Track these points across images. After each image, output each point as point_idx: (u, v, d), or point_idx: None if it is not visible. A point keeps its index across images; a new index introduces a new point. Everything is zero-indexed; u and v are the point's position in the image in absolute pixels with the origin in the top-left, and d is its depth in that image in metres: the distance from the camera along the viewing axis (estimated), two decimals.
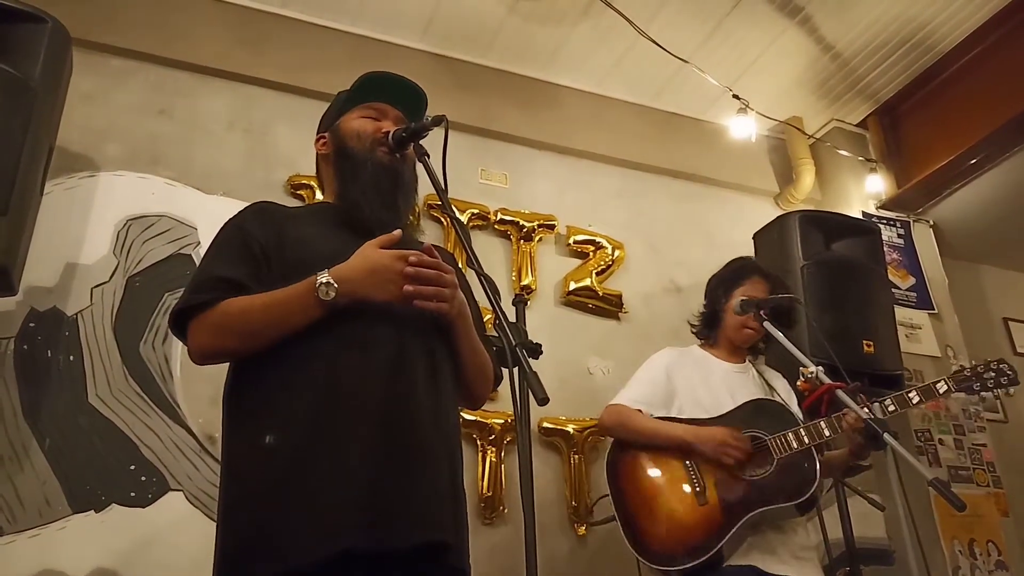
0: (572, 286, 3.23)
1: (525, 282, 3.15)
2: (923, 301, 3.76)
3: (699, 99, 3.78)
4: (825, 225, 3.22)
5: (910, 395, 2.03)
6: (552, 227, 3.31)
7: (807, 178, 3.83)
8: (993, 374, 2.02)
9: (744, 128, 3.54)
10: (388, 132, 1.55)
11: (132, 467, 2.38)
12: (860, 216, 3.71)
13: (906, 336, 3.49)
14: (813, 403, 2.03)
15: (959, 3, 3.37)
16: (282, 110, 3.07)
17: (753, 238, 3.34)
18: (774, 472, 2.06)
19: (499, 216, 3.23)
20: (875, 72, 3.74)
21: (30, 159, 2.07)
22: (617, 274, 3.37)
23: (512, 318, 1.53)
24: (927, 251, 3.93)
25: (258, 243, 1.44)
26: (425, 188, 1.57)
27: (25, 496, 2.25)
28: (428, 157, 1.52)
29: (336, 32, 3.29)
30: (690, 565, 2.02)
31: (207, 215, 2.73)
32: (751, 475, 2.08)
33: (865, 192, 3.88)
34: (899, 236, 3.89)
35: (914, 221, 3.97)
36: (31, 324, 2.44)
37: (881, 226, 3.55)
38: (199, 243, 2.72)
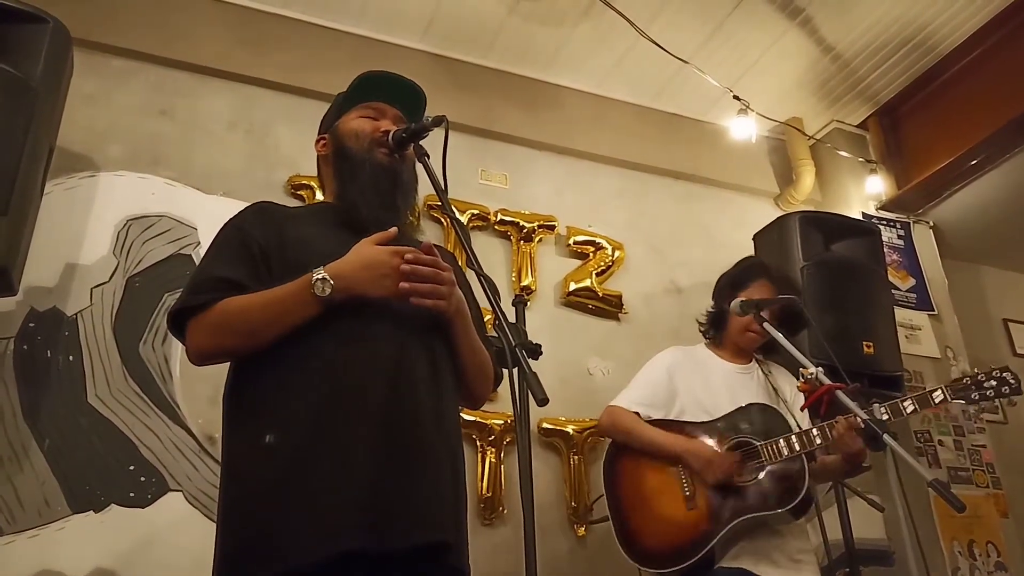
0: (572, 287, 3.23)
1: (525, 283, 3.15)
2: (923, 302, 3.77)
3: (699, 100, 3.78)
4: (825, 226, 3.22)
5: (905, 403, 1.99)
6: (552, 228, 3.31)
7: (807, 179, 3.83)
8: (995, 383, 1.96)
9: (744, 129, 3.54)
10: (387, 132, 1.55)
11: (131, 467, 2.38)
12: (860, 217, 3.71)
13: (906, 337, 3.49)
14: (813, 404, 2.03)
15: (960, 4, 3.37)
16: (283, 110, 3.07)
17: (753, 239, 3.34)
18: (764, 479, 2.07)
19: (499, 217, 3.23)
20: (875, 73, 3.74)
21: (30, 159, 2.07)
22: (617, 275, 3.37)
23: (512, 319, 1.53)
24: (927, 252, 3.93)
25: (257, 244, 1.44)
26: (425, 188, 1.57)
27: (24, 496, 2.25)
28: (428, 157, 1.52)
29: (337, 32, 3.29)
30: (676, 568, 2.05)
31: (207, 215, 2.73)
32: (741, 481, 2.08)
33: (865, 193, 3.88)
34: (899, 237, 3.89)
35: (914, 222, 3.97)
36: (31, 324, 2.44)
37: (881, 227, 3.54)
38: (199, 243, 2.72)
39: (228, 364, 1.44)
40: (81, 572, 2.22)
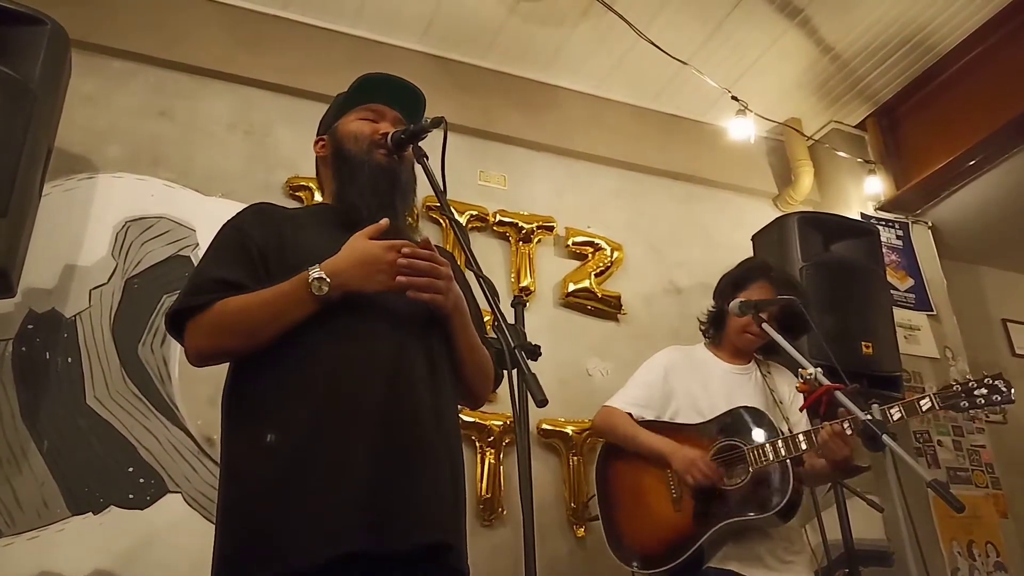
0: (571, 287, 3.23)
1: (524, 284, 3.15)
2: (922, 302, 3.76)
3: (698, 101, 3.78)
4: (824, 226, 3.22)
5: (891, 411, 1.95)
6: (551, 228, 3.31)
7: (806, 179, 3.83)
8: (986, 390, 1.92)
9: (743, 130, 3.54)
10: (386, 134, 1.55)
11: (130, 469, 2.38)
12: (859, 217, 3.71)
13: (905, 337, 3.49)
14: (813, 404, 2.03)
15: (958, 4, 3.37)
16: (282, 112, 3.07)
17: (752, 239, 3.34)
18: (749, 483, 2.07)
19: (498, 218, 3.23)
20: (874, 73, 3.74)
21: (29, 161, 2.07)
22: (616, 275, 3.37)
23: (511, 320, 1.53)
24: (926, 252, 3.93)
25: (256, 245, 1.43)
26: (424, 190, 1.56)
27: (23, 498, 2.25)
28: (427, 159, 1.52)
29: (336, 34, 3.29)
30: (662, 569, 2.07)
31: (206, 217, 2.73)
32: (727, 484, 2.08)
33: (864, 193, 3.88)
34: (898, 237, 3.89)
35: (913, 222, 3.97)
36: (29, 326, 2.44)
37: (880, 227, 3.54)
38: (198, 245, 2.71)
39: (227, 365, 1.44)
40: (80, 574, 2.21)
